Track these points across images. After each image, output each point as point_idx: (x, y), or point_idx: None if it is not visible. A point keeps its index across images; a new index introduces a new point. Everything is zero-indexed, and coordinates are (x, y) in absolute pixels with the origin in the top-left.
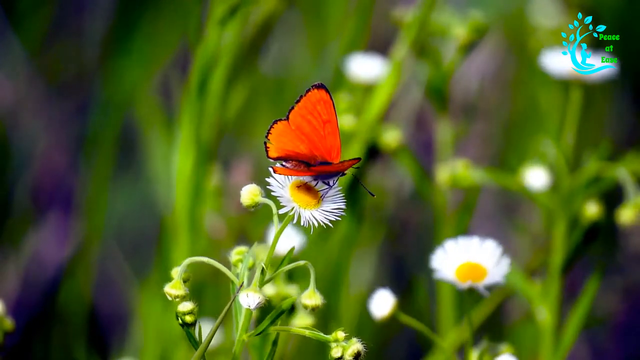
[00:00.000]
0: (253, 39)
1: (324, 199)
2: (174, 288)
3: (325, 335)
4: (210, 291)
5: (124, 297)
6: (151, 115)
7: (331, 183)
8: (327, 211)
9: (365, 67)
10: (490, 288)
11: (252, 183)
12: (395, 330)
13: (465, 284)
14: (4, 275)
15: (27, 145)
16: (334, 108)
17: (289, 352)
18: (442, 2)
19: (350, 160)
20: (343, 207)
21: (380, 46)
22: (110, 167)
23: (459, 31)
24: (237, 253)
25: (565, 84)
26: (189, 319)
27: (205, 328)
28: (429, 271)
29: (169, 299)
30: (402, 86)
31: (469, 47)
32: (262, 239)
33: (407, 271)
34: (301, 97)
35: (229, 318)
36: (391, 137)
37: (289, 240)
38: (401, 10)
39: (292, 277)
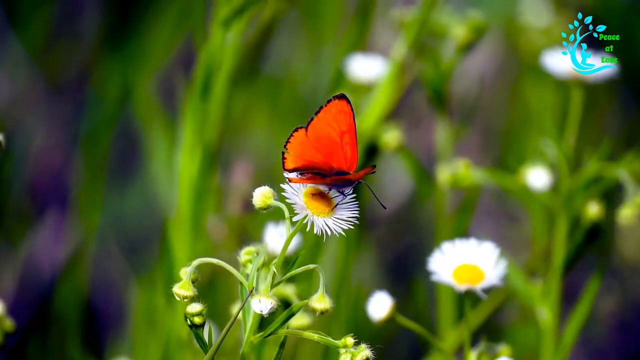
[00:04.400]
0: (256, 40)
1: (338, 207)
2: (183, 289)
3: (334, 341)
4: (208, 292)
5: (121, 297)
6: (151, 115)
7: (346, 191)
8: (340, 219)
9: (364, 67)
10: (488, 291)
11: (252, 184)
12: (396, 330)
13: (462, 287)
14: (1, 275)
15: (26, 145)
16: (354, 119)
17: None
18: (442, 3)
19: (364, 169)
20: (357, 215)
21: (380, 46)
22: (106, 166)
23: (459, 31)
24: (246, 253)
25: (562, 84)
26: (197, 320)
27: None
28: (428, 272)
29: (178, 299)
30: (404, 86)
31: (468, 47)
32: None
33: (407, 271)
34: (321, 108)
35: (226, 318)
36: (391, 137)
37: (283, 240)
38: (401, 10)
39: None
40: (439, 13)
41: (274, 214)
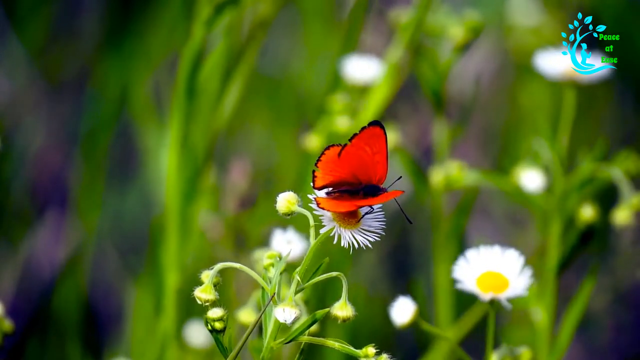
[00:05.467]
0: (248, 38)
1: (365, 218)
2: (205, 292)
3: (355, 350)
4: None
5: (120, 297)
6: (145, 115)
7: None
8: (367, 231)
9: (361, 68)
10: (511, 300)
11: (250, 183)
12: (394, 330)
13: (487, 296)
14: (0, 275)
15: (26, 145)
16: (386, 141)
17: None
18: (438, 3)
19: (393, 192)
20: (384, 225)
21: (376, 47)
22: (105, 166)
23: (456, 31)
24: (268, 257)
25: (559, 84)
26: (218, 325)
27: (195, 330)
28: (427, 272)
29: (199, 303)
30: (400, 86)
31: (465, 47)
32: (259, 240)
33: (406, 271)
34: (355, 135)
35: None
36: (388, 138)
37: (291, 246)
38: (397, 10)
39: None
40: (435, 13)
41: (272, 215)
